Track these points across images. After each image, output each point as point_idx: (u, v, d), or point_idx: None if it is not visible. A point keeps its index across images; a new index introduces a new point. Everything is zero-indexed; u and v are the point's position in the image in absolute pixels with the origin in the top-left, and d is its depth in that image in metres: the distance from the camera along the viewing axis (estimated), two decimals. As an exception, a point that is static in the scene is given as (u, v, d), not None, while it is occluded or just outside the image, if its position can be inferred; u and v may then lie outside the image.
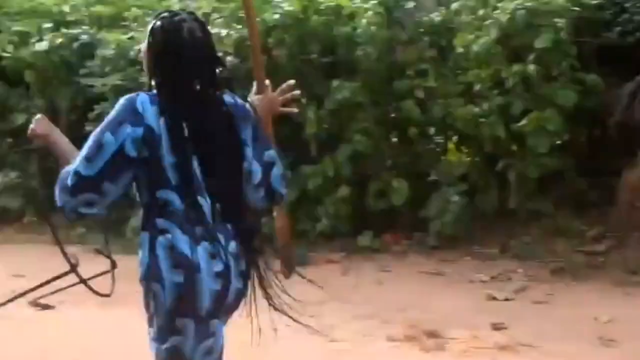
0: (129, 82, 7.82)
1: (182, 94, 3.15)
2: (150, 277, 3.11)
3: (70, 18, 8.78)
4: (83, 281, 3.41)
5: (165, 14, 3.19)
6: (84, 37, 8.39)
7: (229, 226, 3.19)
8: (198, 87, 3.17)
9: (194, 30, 3.18)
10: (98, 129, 3.12)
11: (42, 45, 8.38)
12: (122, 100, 3.15)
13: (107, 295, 3.48)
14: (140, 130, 3.11)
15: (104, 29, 8.48)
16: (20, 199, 8.23)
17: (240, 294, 3.20)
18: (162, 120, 3.12)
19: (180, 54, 3.15)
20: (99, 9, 8.82)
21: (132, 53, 7.93)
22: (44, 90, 8.39)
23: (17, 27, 8.74)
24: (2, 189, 8.25)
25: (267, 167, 3.32)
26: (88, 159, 3.12)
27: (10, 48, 8.62)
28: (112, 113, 3.12)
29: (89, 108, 8.01)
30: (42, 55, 8.34)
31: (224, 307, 3.17)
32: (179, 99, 3.15)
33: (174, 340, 3.14)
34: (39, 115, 3.42)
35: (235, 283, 3.18)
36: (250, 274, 3.22)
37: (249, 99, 3.45)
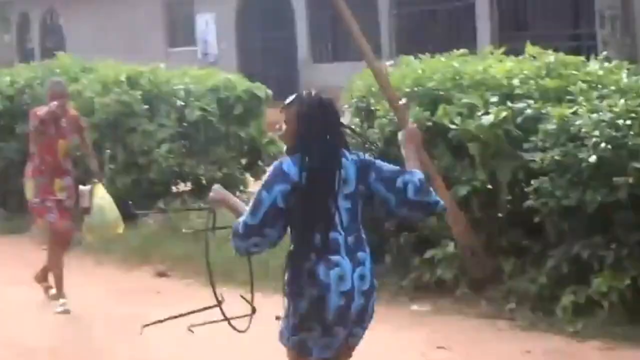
0: (568, 157, 7.72)
1: (317, 150, 4.45)
2: (293, 290, 4.45)
3: (517, 91, 8.83)
4: (225, 317, 4.75)
5: (305, 94, 4.58)
6: (529, 111, 8.40)
7: (358, 254, 4.49)
8: (328, 143, 4.47)
9: (326, 104, 4.55)
10: (258, 189, 4.48)
11: (488, 118, 8.50)
12: (271, 167, 4.51)
13: (243, 332, 4.77)
14: (288, 186, 4.43)
15: (549, 103, 8.44)
16: (455, 270, 8.39)
17: (363, 309, 4.49)
18: (303, 175, 4.42)
19: (316, 120, 4.48)
20: (546, 82, 8.80)
21: (572, 128, 7.82)
22: (486, 162, 8.50)
23: (466, 100, 8.96)
24: (439, 260, 8.46)
25: (399, 191, 4.58)
26: (252, 213, 4.46)
27: (458, 120, 8.84)
28: (267, 176, 4.50)
29: (529, 183, 8.00)
30: (486, 128, 8.46)
31: (347, 319, 4.44)
32: (314, 156, 4.44)
33: (302, 335, 4.46)
34: (216, 186, 4.87)
35: (358, 300, 4.45)
36: (372, 294, 4.50)
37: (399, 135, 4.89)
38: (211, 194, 4.84)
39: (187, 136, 12.66)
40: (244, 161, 13.26)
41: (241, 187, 13.15)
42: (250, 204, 4.49)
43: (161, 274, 10.50)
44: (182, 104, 12.64)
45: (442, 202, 4.68)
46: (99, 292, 9.79)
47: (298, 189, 4.41)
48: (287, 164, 4.48)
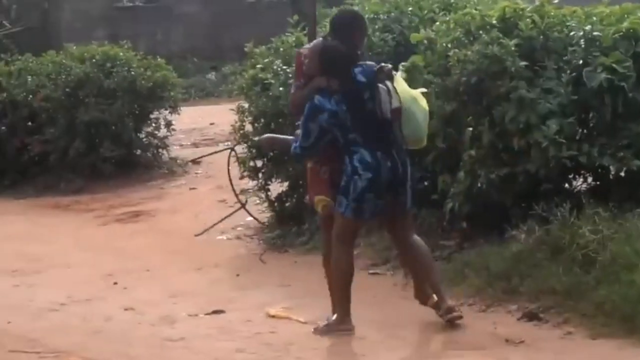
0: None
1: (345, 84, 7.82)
2: (352, 174, 7.67)
3: None
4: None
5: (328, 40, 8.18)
6: None
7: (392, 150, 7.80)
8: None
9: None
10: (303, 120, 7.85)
11: None
12: (307, 107, 7.81)
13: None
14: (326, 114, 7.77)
15: None
16: None
17: (401, 179, 7.77)
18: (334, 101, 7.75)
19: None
20: None
21: None
22: None
23: None
24: None
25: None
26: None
27: None
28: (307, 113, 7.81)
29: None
30: None
31: (392, 186, 7.73)
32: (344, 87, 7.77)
33: (359, 204, 7.71)
34: (264, 136, 8.91)
35: (398, 175, 7.76)
36: (405, 169, 7.82)
37: None
38: (260, 139, 9.06)
39: (586, 108, 9.23)
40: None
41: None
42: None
43: (530, 316, 8.17)
44: (580, 61, 9.23)
45: None
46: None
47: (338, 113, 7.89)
48: (319, 99, 7.89)
